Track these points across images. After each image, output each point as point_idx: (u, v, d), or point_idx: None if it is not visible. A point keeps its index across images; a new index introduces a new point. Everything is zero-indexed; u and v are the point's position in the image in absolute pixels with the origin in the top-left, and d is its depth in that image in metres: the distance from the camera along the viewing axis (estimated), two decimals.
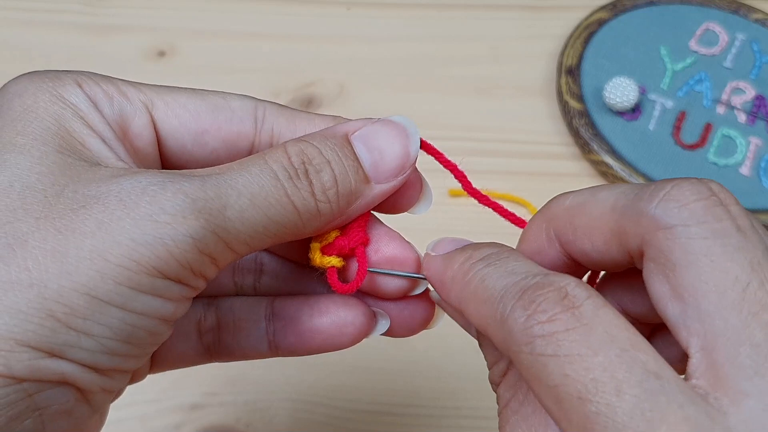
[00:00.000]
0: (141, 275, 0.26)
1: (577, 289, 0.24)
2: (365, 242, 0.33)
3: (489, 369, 0.31)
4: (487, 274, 0.27)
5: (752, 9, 0.69)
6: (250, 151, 0.33)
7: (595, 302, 0.24)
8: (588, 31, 0.69)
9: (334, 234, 0.33)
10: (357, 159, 0.31)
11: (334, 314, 0.34)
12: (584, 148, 0.64)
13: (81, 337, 0.26)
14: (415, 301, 0.35)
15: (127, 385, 0.31)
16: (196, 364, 0.37)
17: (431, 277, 0.31)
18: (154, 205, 0.26)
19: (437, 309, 0.35)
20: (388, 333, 0.35)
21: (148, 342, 0.28)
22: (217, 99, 0.32)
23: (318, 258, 0.33)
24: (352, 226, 0.33)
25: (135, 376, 0.34)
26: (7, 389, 0.25)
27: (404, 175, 0.32)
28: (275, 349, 0.36)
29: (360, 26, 0.71)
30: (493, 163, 0.64)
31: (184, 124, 0.31)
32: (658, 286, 0.25)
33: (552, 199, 0.30)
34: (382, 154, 0.31)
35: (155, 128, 0.31)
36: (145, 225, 0.26)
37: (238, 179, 0.28)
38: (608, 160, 0.63)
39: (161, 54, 0.69)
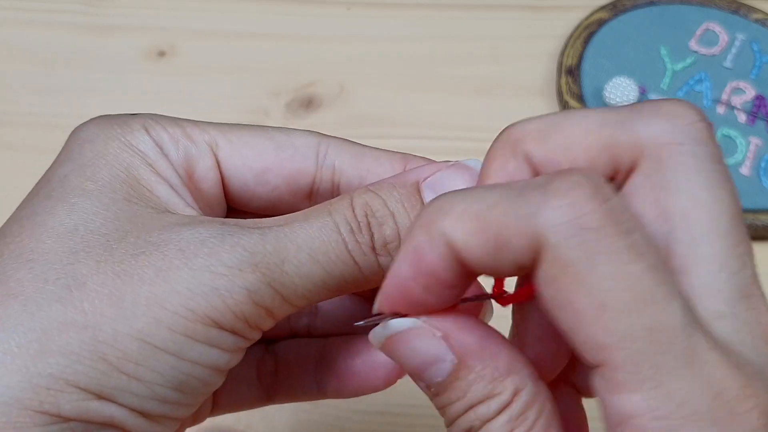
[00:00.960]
0: (196, 324, 0.26)
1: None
2: None
3: None
4: None
5: (752, 9, 0.69)
6: (311, 187, 0.32)
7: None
8: (588, 31, 0.69)
9: None
10: None
11: (366, 355, 0.34)
12: None
13: (132, 382, 0.26)
14: None
15: None
16: (256, 407, 0.37)
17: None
18: (212, 257, 0.26)
19: None
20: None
21: (200, 391, 0.28)
22: (280, 136, 0.32)
23: None
24: None
25: (195, 419, 0.35)
26: (54, 427, 0.25)
27: None
28: (324, 391, 0.35)
29: (360, 26, 0.71)
30: None
31: (247, 163, 0.31)
32: (641, 202, 0.25)
33: (511, 126, 0.29)
34: None
35: (219, 169, 0.31)
36: (203, 275, 0.26)
37: (299, 233, 0.28)
38: None
39: (161, 54, 0.69)
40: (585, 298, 0.22)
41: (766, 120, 0.65)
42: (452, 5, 0.72)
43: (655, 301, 0.22)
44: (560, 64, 0.68)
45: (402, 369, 0.31)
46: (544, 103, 0.67)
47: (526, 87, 0.68)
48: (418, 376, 0.27)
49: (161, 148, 0.30)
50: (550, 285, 0.23)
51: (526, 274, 0.24)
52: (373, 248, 0.29)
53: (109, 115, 0.31)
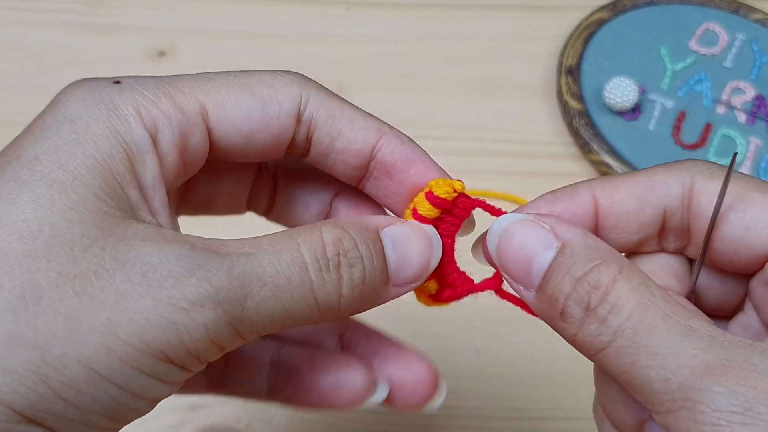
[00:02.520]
0: (147, 357, 0.25)
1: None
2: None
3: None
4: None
5: (752, 9, 0.69)
6: (291, 139, 0.32)
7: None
8: (588, 31, 0.69)
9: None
10: (385, 260, 0.30)
11: (333, 374, 0.34)
12: (584, 148, 0.64)
13: (68, 407, 0.25)
14: (419, 378, 0.35)
15: None
16: (199, 393, 0.36)
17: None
18: (176, 290, 0.26)
19: (440, 387, 0.36)
20: (389, 404, 0.35)
21: (130, 418, 0.27)
22: (264, 90, 0.31)
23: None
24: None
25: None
26: None
27: (419, 282, 0.32)
28: (272, 395, 0.35)
29: (360, 26, 0.71)
30: (493, 163, 0.64)
31: (237, 127, 0.31)
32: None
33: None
34: (407, 258, 0.31)
35: (210, 136, 0.31)
36: (163, 308, 0.25)
37: (266, 267, 0.27)
38: (608, 160, 0.63)
39: (161, 54, 0.69)
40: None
41: (766, 120, 0.65)
42: (452, 5, 0.72)
43: None
44: (560, 64, 0.68)
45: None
46: (544, 103, 0.67)
47: (526, 87, 0.68)
48: (526, 270, 0.30)
49: (155, 131, 0.29)
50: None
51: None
52: (339, 289, 0.29)
53: (97, 80, 0.30)
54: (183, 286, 0.26)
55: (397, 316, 0.42)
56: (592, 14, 0.70)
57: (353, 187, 0.35)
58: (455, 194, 0.33)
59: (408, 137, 0.33)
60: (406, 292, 0.32)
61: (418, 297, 0.34)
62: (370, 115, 0.33)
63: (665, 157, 0.63)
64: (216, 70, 0.32)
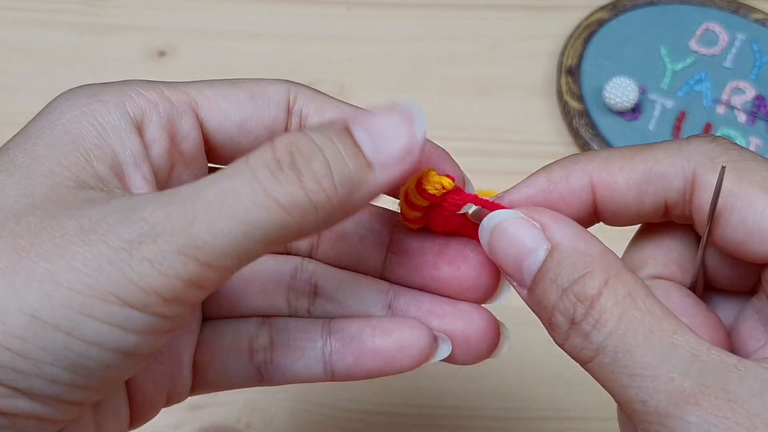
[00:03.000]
0: (95, 301, 0.25)
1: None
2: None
3: None
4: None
5: (752, 9, 0.69)
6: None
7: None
8: (588, 31, 0.69)
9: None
10: (356, 145, 0.28)
11: (397, 335, 0.33)
12: (584, 148, 0.64)
13: (15, 357, 0.24)
14: (482, 329, 0.34)
15: (71, 416, 0.28)
16: (244, 387, 0.35)
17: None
18: (110, 233, 0.25)
19: (502, 337, 0.35)
20: (449, 360, 0.34)
21: (100, 374, 0.26)
22: (252, 86, 0.32)
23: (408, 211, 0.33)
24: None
25: (170, 398, 0.35)
26: None
27: (411, 159, 0.29)
28: (331, 371, 0.34)
29: (360, 26, 0.71)
30: (493, 163, 0.64)
31: (228, 116, 0.31)
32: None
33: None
34: (385, 137, 0.28)
35: (201, 127, 0.31)
36: (100, 251, 0.25)
37: (209, 189, 0.26)
38: None
39: (161, 54, 0.69)
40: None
41: (766, 120, 0.65)
42: (452, 5, 0.72)
43: None
44: (560, 64, 0.68)
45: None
46: (544, 103, 0.67)
47: (526, 87, 0.68)
48: (517, 269, 0.30)
49: (141, 117, 0.30)
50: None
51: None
52: (302, 185, 0.26)
53: (92, 84, 0.31)
54: (116, 229, 0.25)
55: None
56: (592, 14, 0.70)
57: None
58: (443, 191, 0.32)
59: None
60: (402, 173, 0.29)
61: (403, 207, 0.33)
62: (356, 107, 0.34)
63: None
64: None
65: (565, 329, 0.28)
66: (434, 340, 0.34)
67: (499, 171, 0.64)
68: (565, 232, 0.29)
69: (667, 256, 0.33)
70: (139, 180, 0.30)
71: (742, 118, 0.65)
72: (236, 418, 0.54)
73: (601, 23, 0.69)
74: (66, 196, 0.27)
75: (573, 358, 0.29)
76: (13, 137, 0.29)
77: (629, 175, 0.31)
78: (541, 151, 0.65)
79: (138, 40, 0.70)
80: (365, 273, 0.36)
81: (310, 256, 0.36)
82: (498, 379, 0.56)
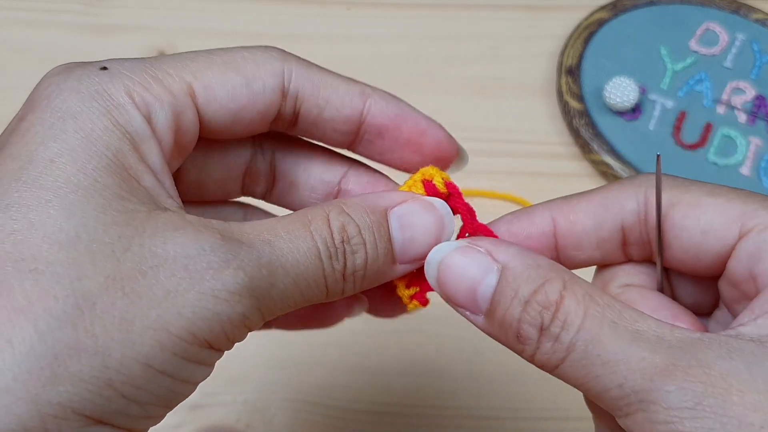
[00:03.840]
0: (194, 347, 0.27)
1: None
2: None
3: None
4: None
5: (752, 9, 0.69)
6: (278, 115, 0.33)
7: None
8: (588, 31, 0.69)
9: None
10: (390, 240, 0.31)
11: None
12: (584, 148, 0.64)
13: (131, 404, 0.26)
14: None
15: None
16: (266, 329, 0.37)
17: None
18: (217, 281, 0.27)
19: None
20: (370, 312, 0.36)
21: (179, 402, 0.28)
22: (247, 67, 0.32)
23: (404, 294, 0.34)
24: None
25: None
26: None
27: (424, 261, 0.32)
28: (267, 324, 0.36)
29: (360, 26, 0.71)
30: (493, 163, 0.64)
31: (224, 105, 0.32)
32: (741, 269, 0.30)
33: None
34: (414, 237, 0.32)
35: (199, 116, 0.32)
36: (207, 300, 0.27)
37: (287, 256, 0.29)
38: (608, 160, 0.63)
39: (161, 54, 0.69)
40: None
41: (767, 120, 0.65)
42: (452, 5, 0.72)
43: None
44: (560, 64, 0.68)
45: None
46: (544, 103, 0.67)
47: (526, 87, 0.68)
48: (470, 297, 0.30)
49: (149, 117, 0.29)
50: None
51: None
52: (344, 275, 0.30)
53: (83, 67, 0.30)
54: (223, 277, 0.27)
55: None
56: (592, 14, 0.70)
57: (361, 164, 0.36)
58: (447, 192, 0.34)
59: (392, 95, 0.35)
60: (417, 266, 0.33)
61: (399, 290, 0.34)
62: (351, 79, 0.34)
63: (666, 157, 0.63)
64: None
65: (534, 338, 0.29)
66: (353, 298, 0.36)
67: (499, 171, 0.64)
68: (511, 252, 0.30)
69: (635, 269, 0.34)
70: (168, 186, 0.30)
71: (742, 118, 0.65)
72: (236, 418, 0.54)
73: (601, 23, 0.69)
74: (149, 221, 0.27)
75: (543, 366, 0.29)
76: (35, 139, 0.28)
77: (587, 205, 0.33)
78: (541, 151, 0.65)
79: (138, 40, 0.70)
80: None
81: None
82: (498, 379, 0.56)
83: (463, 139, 0.70)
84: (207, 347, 0.27)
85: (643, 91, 0.65)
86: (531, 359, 0.29)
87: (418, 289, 0.34)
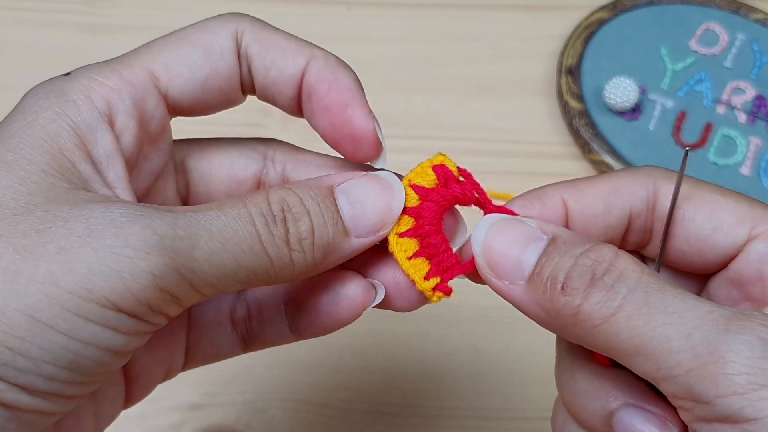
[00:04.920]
0: (92, 305, 0.26)
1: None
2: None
3: None
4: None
5: (752, 9, 0.69)
6: (239, 79, 0.33)
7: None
8: (588, 31, 0.69)
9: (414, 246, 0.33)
10: (338, 211, 0.31)
11: (333, 291, 0.34)
12: (584, 148, 0.64)
13: (16, 357, 0.25)
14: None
15: (70, 408, 0.29)
16: (231, 356, 0.37)
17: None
18: (119, 238, 0.26)
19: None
20: (388, 306, 0.35)
21: (94, 370, 0.27)
22: (203, 37, 0.32)
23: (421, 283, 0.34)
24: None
25: (167, 375, 0.35)
26: None
27: (385, 230, 0.32)
28: (297, 333, 0.36)
29: (360, 26, 0.71)
30: (493, 163, 0.64)
31: (188, 79, 0.32)
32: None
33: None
34: (364, 207, 0.32)
35: (165, 97, 0.32)
36: (105, 256, 0.26)
37: (213, 221, 0.28)
38: (608, 160, 0.62)
39: None
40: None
41: (767, 120, 0.65)
42: (452, 5, 0.72)
43: None
44: (560, 64, 0.68)
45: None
46: (544, 103, 0.67)
47: (526, 87, 0.68)
48: (516, 266, 0.30)
49: (109, 109, 0.30)
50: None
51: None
52: (288, 242, 0.29)
53: (51, 78, 0.31)
54: (126, 235, 0.26)
55: (397, 316, 0.42)
56: (592, 14, 0.70)
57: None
58: (459, 177, 0.34)
59: (337, 59, 0.34)
60: (374, 242, 0.32)
61: (419, 285, 0.34)
62: (306, 42, 0.34)
63: (665, 157, 0.63)
64: None
65: (582, 288, 0.28)
66: (370, 289, 0.34)
67: (499, 171, 0.64)
68: (560, 228, 0.31)
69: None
70: (112, 176, 0.30)
71: (742, 118, 0.65)
72: (236, 418, 0.54)
73: (601, 23, 0.69)
74: (65, 195, 0.27)
75: (589, 319, 0.28)
76: None
77: (597, 189, 0.33)
78: (541, 151, 0.65)
79: (138, 40, 0.69)
80: None
81: None
82: (498, 379, 0.56)
83: (463, 139, 0.70)
84: (112, 308, 0.26)
85: (643, 91, 0.65)
86: (576, 312, 0.28)
87: (438, 279, 0.33)
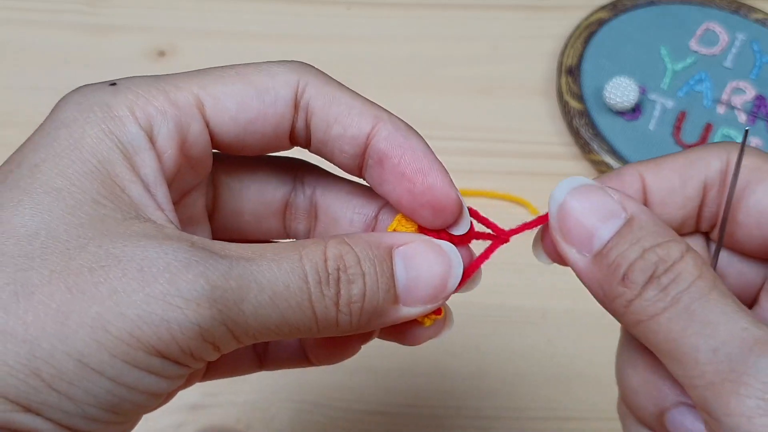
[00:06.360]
0: (138, 352, 0.26)
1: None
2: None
3: None
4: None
5: (752, 9, 0.69)
6: (292, 127, 0.32)
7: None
8: (588, 31, 0.69)
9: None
10: (393, 277, 0.30)
11: None
12: (584, 148, 0.64)
13: (63, 399, 0.25)
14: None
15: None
16: (247, 373, 0.37)
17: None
18: (171, 285, 0.26)
19: (447, 320, 0.35)
20: (385, 337, 0.35)
21: (133, 412, 0.28)
22: (260, 80, 0.31)
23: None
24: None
25: (187, 383, 0.35)
26: None
27: (434, 305, 0.31)
28: (308, 359, 0.36)
29: (360, 26, 0.71)
30: (493, 163, 0.64)
31: (233, 117, 0.31)
32: None
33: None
34: (419, 278, 0.31)
35: (209, 129, 0.31)
36: (156, 304, 0.25)
37: (265, 272, 0.27)
38: (608, 160, 0.62)
39: (161, 54, 0.69)
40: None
41: (767, 120, 0.65)
42: (452, 5, 0.72)
43: None
44: (560, 64, 0.68)
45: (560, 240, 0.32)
46: (544, 102, 0.67)
47: (526, 87, 0.68)
48: (588, 237, 0.30)
49: (150, 128, 0.29)
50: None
51: None
52: (337, 304, 0.29)
53: (94, 85, 0.30)
54: (178, 282, 0.26)
55: None
56: (592, 14, 0.70)
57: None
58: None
59: (406, 124, 0.33)
60: (425, 313, 0.31)
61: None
62: (371, 102, 0.32)
63: None
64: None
65: (640, 284, 0.28)
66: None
67: (499, 171, 0.64)
68: (641, 207, 0.30)
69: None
70: (160, 198, 0.29)
71: (742, 118, 0.65)
72: (236, 418, 0.54)
73: (601, 23, 0.69)
74: (117, 227, 0.27)
75: (637, 314, 0.28)
76: (30, 147, 0.28)
77: (673, 163, 0.33)
78: (541, 151, 0.65)
79: (138, 40, 0.70)
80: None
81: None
82: (498, 379, 0.56)
83: (463, 139, 0.70)
84: (157, 355, 0.26)
85: (643, 91, 0.65)
86: (627, 305, 0.29)
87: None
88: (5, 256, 0.26)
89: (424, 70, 0.69)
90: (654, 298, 0.28)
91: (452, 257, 0.31)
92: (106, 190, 0.28)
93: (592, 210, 0.30)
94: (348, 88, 0.32)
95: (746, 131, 0.31)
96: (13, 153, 0.29)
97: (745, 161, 0.31)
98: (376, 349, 0.56)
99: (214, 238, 0.34)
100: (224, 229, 0.35)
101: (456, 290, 0.32)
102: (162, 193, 0.29)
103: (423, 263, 0.31)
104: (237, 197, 0.35)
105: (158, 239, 0.27)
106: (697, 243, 0.34)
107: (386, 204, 0.35)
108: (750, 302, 0.34)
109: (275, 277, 0.27)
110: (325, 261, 0.29)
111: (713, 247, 0.34)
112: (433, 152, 0.33)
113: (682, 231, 0.34)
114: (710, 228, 0.34)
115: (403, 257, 0.31)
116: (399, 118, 0.33)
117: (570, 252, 0.31)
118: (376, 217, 0.35)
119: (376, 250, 0.30)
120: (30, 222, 0.26)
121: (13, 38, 0.70)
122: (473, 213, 0.34)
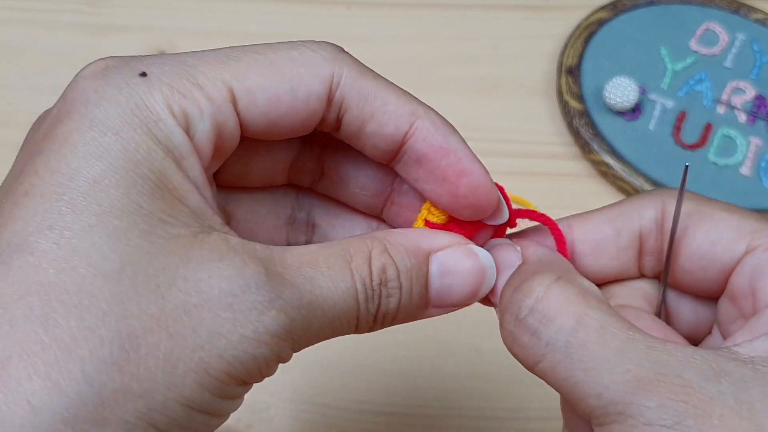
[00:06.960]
0: (230, 386, 0.27)
1: None
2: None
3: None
4: None
5: (752, 9, 0.69)
6: (322, 120, 0.31)
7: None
8: (588, 31, 0.68)
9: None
10: (427, 285, 0.31)
11: None
12: (584, 148, 0.64)
13: None
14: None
15: None
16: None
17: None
18: (260, 323, 0.26)
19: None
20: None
21: (212, 428, 0.29)
22: (294, 72, 0.29)
23: None
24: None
25: None
26: None
27: (461, 307, 0.32)
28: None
29: (360, 26, 0.71)
30: (493, 162, 0.64)
31: (264, 112, 0.29)
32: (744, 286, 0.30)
33: None
34: (452, 285, 0.31)
35: (240, 122, 0.29)
36: (249, 344, 0.26)
37: (326, 297, 0.28)
38: (608, 160, 0.62)
39: (161, 54, 0.69)
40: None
41: (767, 120, 0.65)
42: (452, 5, 0.72)
43: None
44: (560, 64, 0.68)
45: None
46: (544, 102, 0.67)
47: (526, 87, 0.68)
48: (495, 286, 0.31)
49: (187, 126, 0.28)
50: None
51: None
52: (375, 316, 0.30)
53: (119, 71, 0.29)
54: (265, 320, 0.27)
55: None
56: (592, 14, 0.70)
57: None
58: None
59: (444, 121, 0.32)
60: (450, 311, 0.32)
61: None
62: (406, 94, 0.32)
63: (665, 157, 0.63)
64: None
65: (510, 328, 0.29)
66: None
67: (499, 171, 0.63)
68: (538, 249, 0.31)
69: (634, 291, 0.34)
70: (210, 199, 0.29)
71: (742, 118, 0.65)
72: (236, 418, 0.54)
73: (601, 23, 0.69)
74: (192, 251, 0.26)
75: (522, 361, 0.29)
76: (68, 145, 0.26)
77: (606, 214, 0.33)
78: (541, 151, 0.65)
79: (138, 40, 0.70)
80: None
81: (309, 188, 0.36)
82: (498, 379, 0.56)
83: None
84: (243, 385, 0.27)
85: (643, 91, 0.65)
86: (511, 351, 0.29)
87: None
88: (99, 301, 0.25)
89: (424, 70, 0.69)
90: (527, 343, 0.28)
91: (487, 267, 0.32)
92: (167, 205, 0.27)
93: (496, 265, 0.32)
94: (382, 78, 0.32)
95: (686, 167, 0.31)
96: (44, 149, 0.27)
97: (682, 208, 0.31)
98: (376, 349, 0.56)
99: (223, 173, 0.33)
100: (227, 181, 0.34)
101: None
102: (209, 194, 0.29)
103: (458, 272, 0.31)
104: (244, 163, 0.34)
105: (235, 264, 0.27)
106: (649, 286, 0.34)
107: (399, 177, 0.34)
108: (704, 334, 0.34)
109: (334, 302, 0.28)
110: (371, 275, 0.29)
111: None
112: (472, 151, 0.32)
113: (623, 278, 0.34)
114: (655, 275, 0.34)
115: (439, 265, 0.31)
116: (435, 112, 0.32)
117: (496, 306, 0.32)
118: (392, 185, 0.35)
119: (414, 259, 0.30)
120: (110, 254, 0.25)
121: (13, 38, 0.70)
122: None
